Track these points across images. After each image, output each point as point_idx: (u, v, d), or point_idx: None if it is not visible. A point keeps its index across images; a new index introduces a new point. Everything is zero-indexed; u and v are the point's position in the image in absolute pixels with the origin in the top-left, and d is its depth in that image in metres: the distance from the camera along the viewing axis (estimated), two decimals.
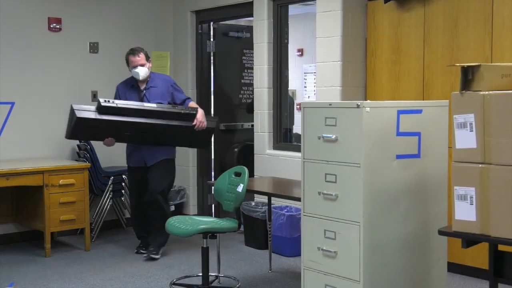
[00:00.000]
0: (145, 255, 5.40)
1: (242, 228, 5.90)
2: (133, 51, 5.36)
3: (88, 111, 5.00)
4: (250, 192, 4.60)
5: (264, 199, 5.53)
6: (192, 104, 5.53)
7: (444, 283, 3.72)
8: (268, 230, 5.19)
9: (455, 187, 2.76)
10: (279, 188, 4.85)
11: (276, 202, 5.61)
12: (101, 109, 4.99)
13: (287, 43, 6.16)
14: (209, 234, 4.22)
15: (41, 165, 5.41)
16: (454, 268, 4.64)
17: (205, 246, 4.26)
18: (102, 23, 6.61)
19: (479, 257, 4.53)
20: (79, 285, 4.68)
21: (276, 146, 6.09)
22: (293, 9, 6.30)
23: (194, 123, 5.30)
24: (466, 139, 2.73)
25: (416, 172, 3.47)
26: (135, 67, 5.31)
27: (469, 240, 2.79)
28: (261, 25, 6.07)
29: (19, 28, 6.05)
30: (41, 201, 5.42)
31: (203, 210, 6.95)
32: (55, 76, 6.18)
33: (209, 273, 4.35)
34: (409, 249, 3.47)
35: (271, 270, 5.11)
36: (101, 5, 6.59)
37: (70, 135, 5.21)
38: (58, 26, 6.29)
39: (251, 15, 6.19)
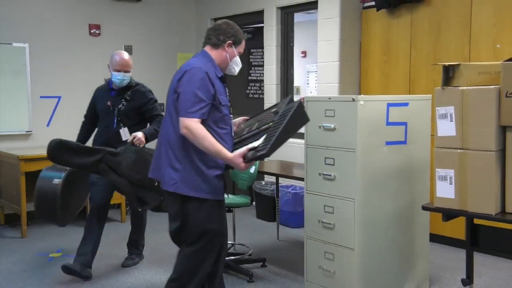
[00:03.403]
0: None
1: (254, 204, 5.92)
2: None
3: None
4: (261, 173, 4.60)
5: (273, 179, 5.53)
6: None
7: (427, 252, 3.71)
8: (276, 205, 5.20)
9: (436, 169, 2.74)
10: (286, 169, 4.84)
11: (283, 181, 5.60)
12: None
13: (293, 46, 6.12)
14: (226, 208, 4.22)
15: None
16: (435, 238, 4.62)
17: None
18: (135, 29, 6.60)
19: (457, 229, 4.51)
20: (116, 250, 4.70)
21: None
22: (298, 17, 6.25)
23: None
24: (446, 128, 2.70)
25: (403, 156, 3.45)
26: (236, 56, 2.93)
27: (449, 214, 2.78)
28: (270, 31, 6.04)
29: (65, 33, 6.06)
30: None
31: None
32: (94, 74, 6.17)
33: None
34: (397, 222, 3.46)
35: (279, 239, 5.11)
36: (134, 14, 6.58)
37: (270, 150, 2.55)
38: (97, 32, 6.29)
39: (262, 22, 6.15)
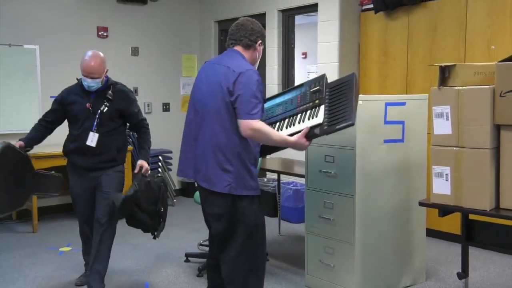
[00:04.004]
0: None
1: None
2: None
3: None
4: (263, 170, 4.60)
5: (274, 176, 5.54)
6: None
7: (423, 246, 3.70)
8: (278, 201, 5.20)
9: (433, 166, 2.74)
10: (287, 167, 4.84)
11: (284, 178, 5.60)
12: None
13: (294, 47, 6.12)
14: None
15: None
16: (432, 233, 4.62)
17: None
18: (141, 31, 6.60)
19: (452, 224, 4.50)
20: (122, 244, 4.71)
21: None
22: (298, 19, 6.24)
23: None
24: (442, 127, 2.70)
25: (401, 154, 3.44)
26: None
27: (445, 210, 2.78)
28: (272, 33, 6.03)
29: (74, 35, 6.06)
30: None
31: None
32: None
33: None
34: (394, 218, 3.46)
35: (280, 234, 5.11)
36: (140, 16, 6.58)
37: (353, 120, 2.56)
38: (105, 34, 6.29)
39: (264, 24, 6.14)
